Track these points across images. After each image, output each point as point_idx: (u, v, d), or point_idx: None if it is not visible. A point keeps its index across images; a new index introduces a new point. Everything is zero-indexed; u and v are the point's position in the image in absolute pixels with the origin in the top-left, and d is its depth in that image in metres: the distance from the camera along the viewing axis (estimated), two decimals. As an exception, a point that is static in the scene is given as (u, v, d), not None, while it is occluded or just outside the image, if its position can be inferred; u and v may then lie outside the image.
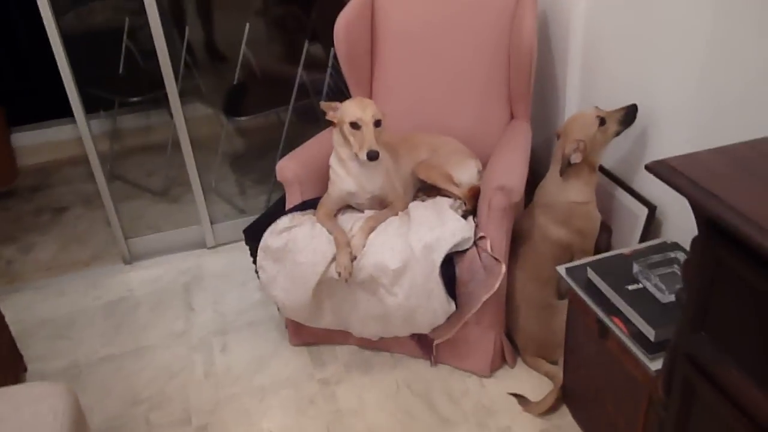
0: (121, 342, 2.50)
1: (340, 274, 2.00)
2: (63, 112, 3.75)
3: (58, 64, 2.54)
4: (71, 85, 2.61)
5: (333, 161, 2.17)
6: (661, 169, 0.90)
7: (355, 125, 2.01)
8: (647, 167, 0.94)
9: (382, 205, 2.19)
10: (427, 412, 2.08)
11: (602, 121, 1.99)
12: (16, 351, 2.30)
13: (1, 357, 2.16)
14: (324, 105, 2.09)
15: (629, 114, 2.00)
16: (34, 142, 4.07)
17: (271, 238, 2.12)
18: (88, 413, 1.96)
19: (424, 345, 2.25)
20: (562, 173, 2.05)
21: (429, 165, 2.24)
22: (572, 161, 2.01)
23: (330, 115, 2.09)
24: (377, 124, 2.02)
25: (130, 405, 2.20)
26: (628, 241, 2.19)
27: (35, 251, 3.15)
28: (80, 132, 2.73)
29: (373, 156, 1.96)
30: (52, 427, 1.28)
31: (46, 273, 2.98)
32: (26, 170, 3.94)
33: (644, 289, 1.66)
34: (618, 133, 2.02)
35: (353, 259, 2.01)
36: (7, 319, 2.25)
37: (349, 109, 2.03)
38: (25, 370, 2.34)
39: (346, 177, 2.13)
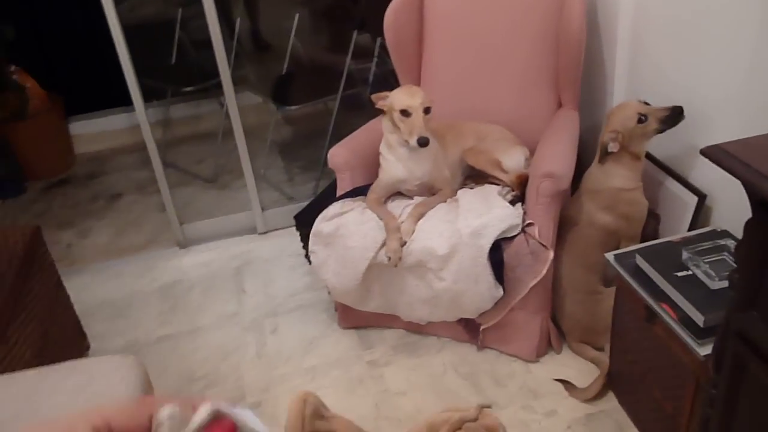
0: (177, 322, 2.60)
1: (389, 258, 2.05)
2: (118, 101, 3.91)
3: (119, 53, 2.64)
4: (131, 75, 2.70)
5: (383, 148, 2.22)
6: (715, 153, 0.92)
7: (405, 112, 2.05)
8: (702, 152, 0.97)
9: (431, 191, 2.23)
10: (474, 394, 2.13)
11: (643, 118, 2.00)
12: (81, 329, 2.42)
13: (67, 334, 2.28)
14: (374, 96, 2.15)
15: (673, 116, 1.99)
16: (90, 131, 4.21)
17: (322, 223, 2.19)
18: (149, 388, 2.06)
19: (470, 329, 2.29)
20: (600, 160, 2.07)
21: (477, 151, 2.28)
22: (609, 149, 2.03)
23: (380, 104, 2.14)
24: (426, 111, 2.06)
25: (187, 382, 2.30)
26: (677, 230, 2.19)
27: (93, 235, 3.28)
28: (138, 120, 2.83)
29: (423, 142, 2.01)
30: (125, 396, 1.37)
31: (104, 256, 3.10)
32: (82, 158, 4.09)
33: (693, 275, 1.67)
34: (659, 132, 2.02)
35: (403, 244, 2.06)
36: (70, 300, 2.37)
37: (399, 97, 2.08)
38: (88, 347, 2.46)
39: (396, 163, 2.18)
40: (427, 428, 0.56)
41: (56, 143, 3.95)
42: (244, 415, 0.40)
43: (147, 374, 1.48)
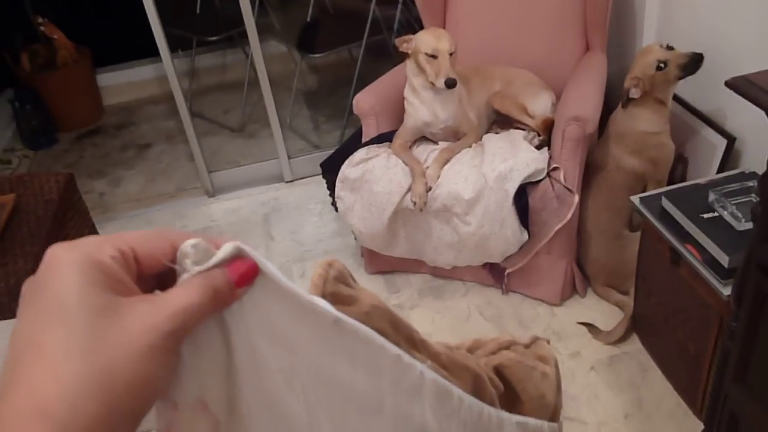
0: (208, 268, 2.66)
1: (415, 203, 2.07)
2: (144, 52, 3.92)
3: (144, 3, 2.65)
4: (156, 24, 2.71)
5: (407, 93, 2.22)
6: (740, 84, 0.92)
7: (431, 55, 2.05)
8: (727, 83, 0.96)
9: (456, 136, 2.23)
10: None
11: (662, 66, 1.96)
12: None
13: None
14: (398, 40, 2.14)
15: (692, 62, 1.95)
16: (118, 82, 4.24)
17: (348, 169, 2.21)
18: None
19: (495, 274, 2.32)
20: (623, 105, 2.06)
21: (504, 95, 2.27)
22: (631, 95, 2.02)
23: (404, 47, 2.13)
24: (451, 54, 2.05)
25: (219, 324, 2.37)
26: (705, 173, 2.17)
27: (124, 184, 3.35)
28: (165, 70, 2.85)
29: (450, 83, 2.01)
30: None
31: (135, 204, 3.17)
32: (111, 109, 4.13)
33: (719, 217, 1.67)
34: (680, 78, 1.99)
35: (428, 189, 2.08)
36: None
37: (425, 39, 2.07)
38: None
39: (420, 106, 2.18)
40: (473, 342, 0.58)
41: (85, 94, 3.99)
42: (265, 261, 0.39)
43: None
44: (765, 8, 1.82)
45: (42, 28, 3.65)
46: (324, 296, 0.43)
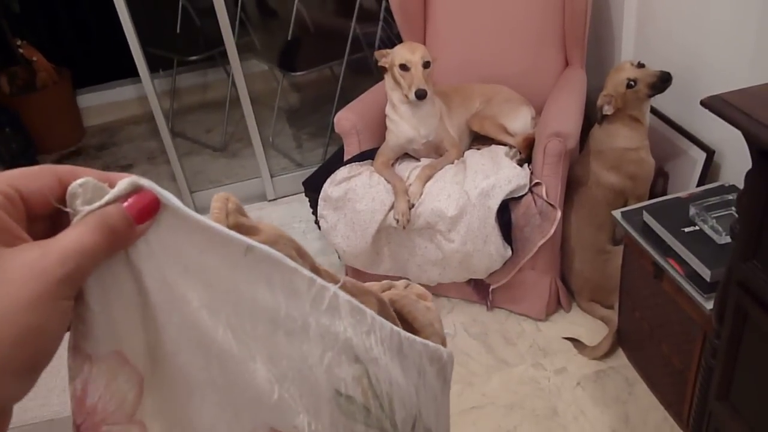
0: (191, 289, 2.63)
1: (398, 221, 2.07)
2: (125, 72, 3.90)
3: (123, 24, 2.64)
4: (135, 45, 2.70)
5: (388, 109, 2.23)
6: (715, 103, 0.92)
7: (404, 67, 2.07)
8: (702, 102, 0.97)
9: (438, 151, 2.23)
10: (484, 353, 2.16)
11: (632, 84, 1.98)
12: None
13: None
14: (377, 53, 2.16)
15: (660, 81, 1.97)
16: (99, 103, 4.22)
17: (330, 187, 2.20)
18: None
19: (480, 290, 2.31)
20: (599, 122, 2.08)
21: (482, 116, 2.28)
22: (604, 112, 2.04)
23: (382, 61, 2.15)
24: (426, 65, 2.07)
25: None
26: (686, 187, 2.18)
27: (106, 206, 3.31)
28: (145, 90, 2.84)
29: (421, 94, 2.02)
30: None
31: (117, 226, 3.13)
32: (92, 130, 4.11)
33: (700, 231, 1.67)
34: (650, 96, 2.01)
35: (411, 206, 2.07)
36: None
37: (399, 52, 2.09)
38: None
39: (401, 122, 2.19)
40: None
41: (66, 116, 3.97)
42: (168, 194, 0.37)
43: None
44: (740, 27, 1.84)
45: (21, 50, 3.62)
46: (228, 228, 0.41)
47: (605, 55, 2.54)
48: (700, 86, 2.06)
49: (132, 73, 2.79)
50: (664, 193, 2.29)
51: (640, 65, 2.01)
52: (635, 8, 2.32)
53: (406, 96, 2.09)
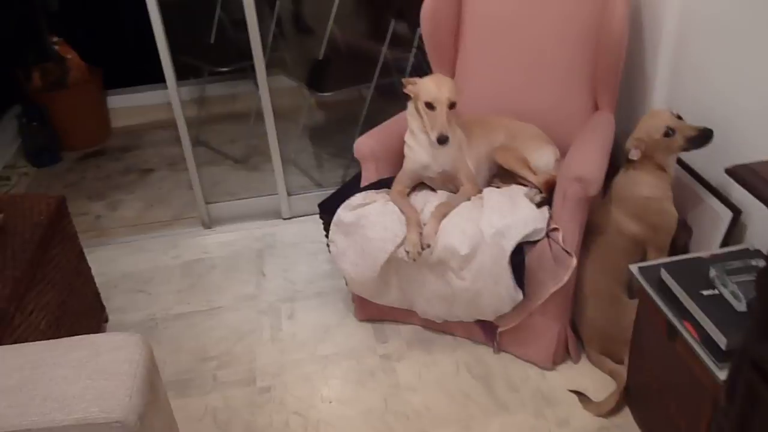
0: (195, 301, 2.61)
1: (408, 252, 2.02)
2: (156, 77, 3.92)
3: (154, 30, 2.65)
4: (165, 52, 2.71)
5: (407, 136, 2.20)
6: (741, 173, 0.87)
7: (429, 105, 2.02)
8: (728, 171, 0.92)
9: (454, 182, 2.19)
10: (485, 396, 2.09)
11: (670, 132, 1.93)
12: (100, 302, 2.44)
13: (86, 306, 2.30)
14: (405, 80, 2.13)
15: (700, 138, 1.91)
16: (127, 105, 4.25)
17: (344, 212, 2.16)
18: (160, 365, 2.07)
19: (487, 331, 2.25)
20: (625, 166, 2.03)
21: (506, 149, 2.23)
22: (630, 157, 1.99)
23: (408, 89, 2.11)
24: (452, 106, 2.02)
25: (200, 361, 2.30)
26: (709, 244, 2.11)
27: (122, 208, 3.32)
28: (170, 97, 2.84)
29: (443, 140, 1.99)
30: (127, 374, 1.36)
31: (130, 230, 3.13)
32: (118, 131, 4.13)
33: (719, 295, 1.61)
34: (685, 150, 1.96)
35: (425, 247, 2.02)
36: (93, 271, 2.40)
37: (427, 87, 2.05)
38: (107, 320, 2.49)
39: (418, 149, 2.16)
40: None
41: (94, 115, 3.99)
42: None
43: (152, 354, 1.47)
44: (777, 82, 1.79)
45: (56, 47, 3.66)
46: None
47: (635, 103, 2.48)
48: (731, 142, 1.99)
49: (162, 78, 2.80)
50: (687, 248, 2.22)
51: (678, 117, 1.96)
52: (671, 56, 2.27)
53: (427, 134, 2.06)
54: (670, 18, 2.22)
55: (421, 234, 2.04)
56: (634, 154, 1.99)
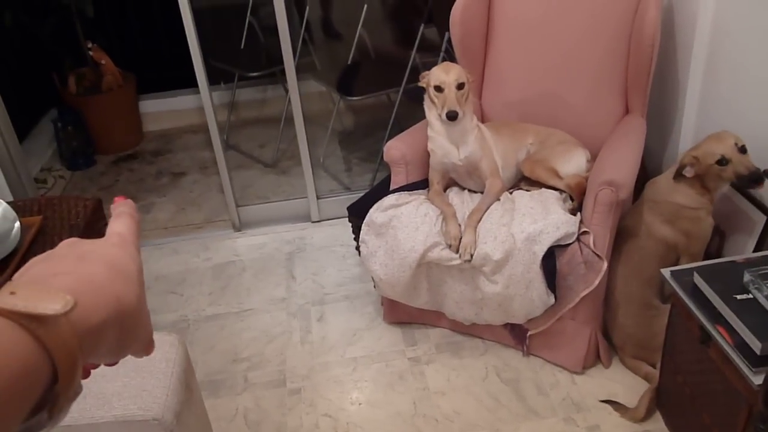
0: (226, 302, 2.64)
1: (450, 245, 2.03)
2: (187, 82, 3.98)
3: (187, 36, 2.69)
4: (198, 57, 2.75)
5: (429, 130, 2.21)
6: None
7: (438, 88, 2.06)
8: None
9: (478, 174, 2.19)
10: (515, 401, 2.09)
11: (723, 162, 1.89)
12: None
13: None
14: (421, 75, 2.15)
15: (749, 178, 1.86)
16: (159, 109, 4.32)
17: (376, 213, 2.18)
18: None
19: (516, 334, 2.25)
20: (674, 177, 2.00)
21: (534, 160, 2.23)
22: (684, 173, 1.96)
23: (422, 81, 2.14)
24: (460, 86, 2.06)
25: (231, 362, 2.33)
26: (742, 249, 2.09)
27: (155, 211, 3.37)
28: (202, 102, 2.88)
29: (452, 115, 2.02)
30: (164, 373, 1.39)
31: (163, 232, 3.18)
32: (150, 135, 4.20)
33: (754, 299, 1.59)
34: (732, 183, 1.95)
35: (468, 258, 2.02)
36: (127, 272, 2.44)
37: (435, 73, 2.10)
38: (140, 320, 2.53)
39: (437, 138, 2.19)
40: None
41: (127, 119, 4.07)
42: None
43: (188, 353, 1.51)
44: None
45: (91, 52, 3.74)
46: None
47: (667, 105, 2.46)
48: (764, 146, 1.97)
49: (194, 83, 2.85)
50: (719, 253, 2.19)
51: (743, 149, 1.90)
52: (704, 59, 2.25)
53: (440, 115, 2.09)
54: (702, 20, 2.20)
55: (458, 225, 2.06)
56: (689, 172, 1.95)
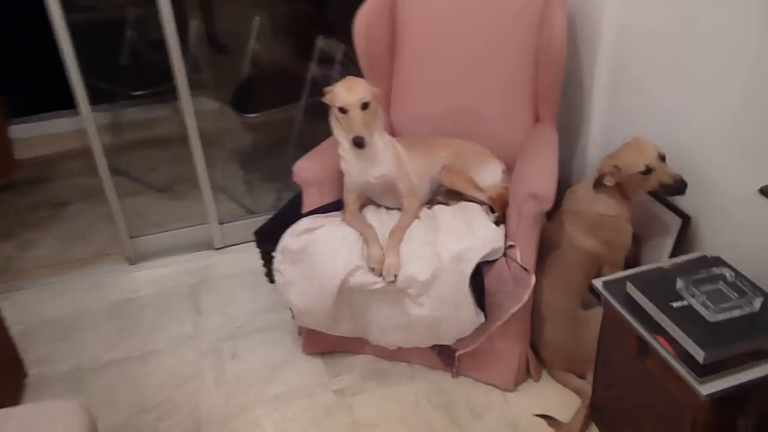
0: (127, 346, 2.40)
1: (373, 269, 1.91)
2: (63, 103, 3.66)
3: (64, 53, 2.44)
4: (76, 76, 2.50)
5: (339, 149, 2.09)
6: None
7: (342, 110, 1.94)
8: (763, 191, 0.86)
9: (395, 192, 2.09)
10: (450, 427, 2.00)
11: (648, 171, 1.90)
12: (17, 357, 2.20)
13: (2, 362, 2.06)
14: (325, 89, 2.02)
15: (673, 188, 1.88)
16: (33, 134, 3.95)
17: (290, 239, 2.03)
18: (95, 424, 1.87)
19: (444, 356, 2.16)
20: (593, 186, 1.99)
21: (452, 170, 2.16)
22: (604, 182, 1.95)
23: (326, 99, 2.01)
24: (364, 106, 1.94)
25: (138, 413, 2.11)
26: (659, 253, 2.11)
27: (35, 248, 3.04)
28: (84, 124, 2.63)
29: (358, 142, 1.90)
30: (68, 450, 1.19)
31: (46, 271, 2.87)
32: (24, 163, 3.82)
33: (689, 306, 1.58)
34: (654, 192, 1.96)
35: (392, 280, 1.90)
36: (7, 320, 2.15)
37: (338, 92, 1.96)
38: (26, 375, 2.24)
39: (349, 157, 2.07)
40: None
41: (-6, 147, 3.67)
42: None
43: (94, 422, 1.30)
44: (726, 83, 1.79)
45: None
46: None
47: (574, 113, 2.47)
48: (669, 150, 1.99)
49: (70, 103, 2.58)
50: (637, 259, 2.21)
51: (662, 157, 1.91)
52: (608, 67, 2.27)
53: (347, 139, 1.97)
54: (606, 31, 2.22)
55: (381, 248, 1.94)
56: (609, 181, 1.94)
